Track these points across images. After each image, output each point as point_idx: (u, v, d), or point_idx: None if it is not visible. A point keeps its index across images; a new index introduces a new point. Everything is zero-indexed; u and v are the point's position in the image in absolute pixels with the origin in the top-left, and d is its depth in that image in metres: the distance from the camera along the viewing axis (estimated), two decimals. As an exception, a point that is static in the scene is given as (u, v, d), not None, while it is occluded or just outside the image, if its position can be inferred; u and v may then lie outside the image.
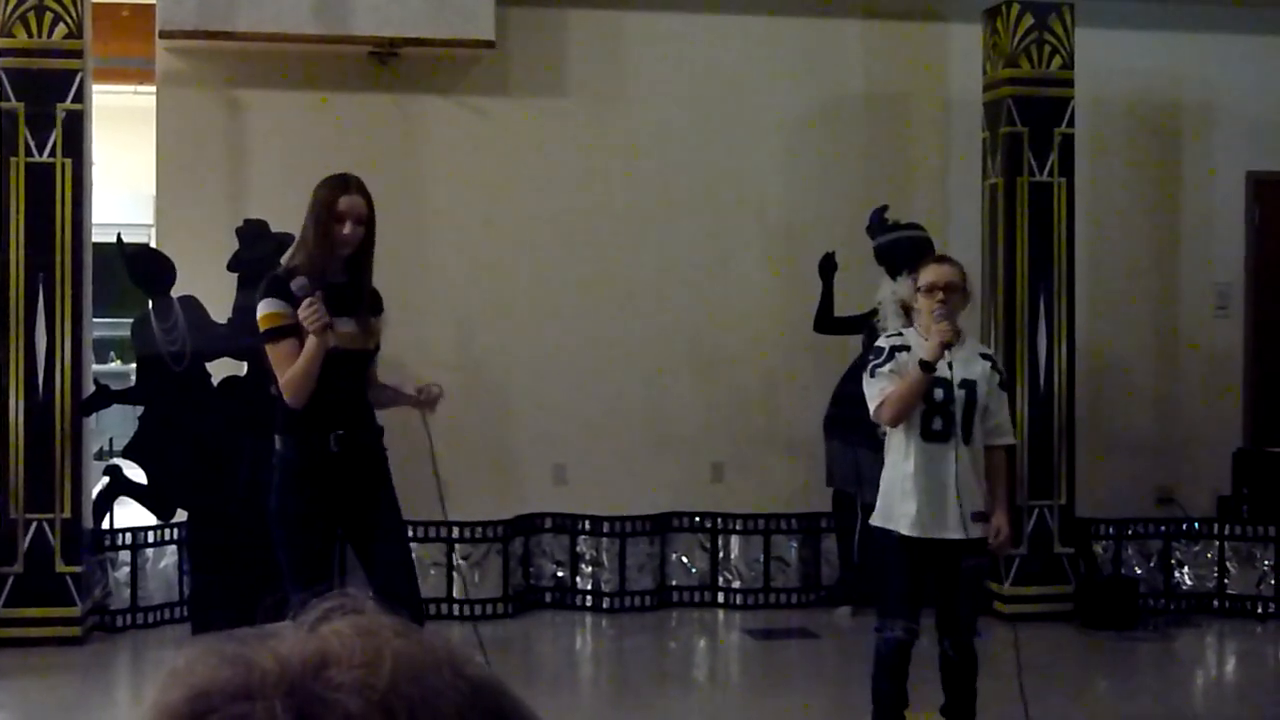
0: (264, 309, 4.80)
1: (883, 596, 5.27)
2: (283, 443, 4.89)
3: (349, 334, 4.84)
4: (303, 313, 4.66)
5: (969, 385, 5.04)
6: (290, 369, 4.72)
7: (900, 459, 5.06)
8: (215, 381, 7.46)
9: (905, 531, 5.01)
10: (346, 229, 4.84)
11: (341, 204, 4.86)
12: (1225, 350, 9.11)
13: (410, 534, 6.04)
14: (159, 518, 7.59)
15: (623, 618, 8.05)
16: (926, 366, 4.92)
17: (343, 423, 4.84)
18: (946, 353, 4.94)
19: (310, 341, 4.69)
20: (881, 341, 5.21)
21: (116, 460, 8.50)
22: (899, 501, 5.03)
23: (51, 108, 7.22)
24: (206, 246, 7.70)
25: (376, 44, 8.03)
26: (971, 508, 4.98)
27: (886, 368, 5.03)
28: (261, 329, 4.80)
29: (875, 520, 5.14)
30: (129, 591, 7.55)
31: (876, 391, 5.03)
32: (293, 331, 4.73)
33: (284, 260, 5.36)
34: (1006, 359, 7.77)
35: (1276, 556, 8.03)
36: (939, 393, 5.01)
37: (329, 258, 4.85)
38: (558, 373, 8.38)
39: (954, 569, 5.05)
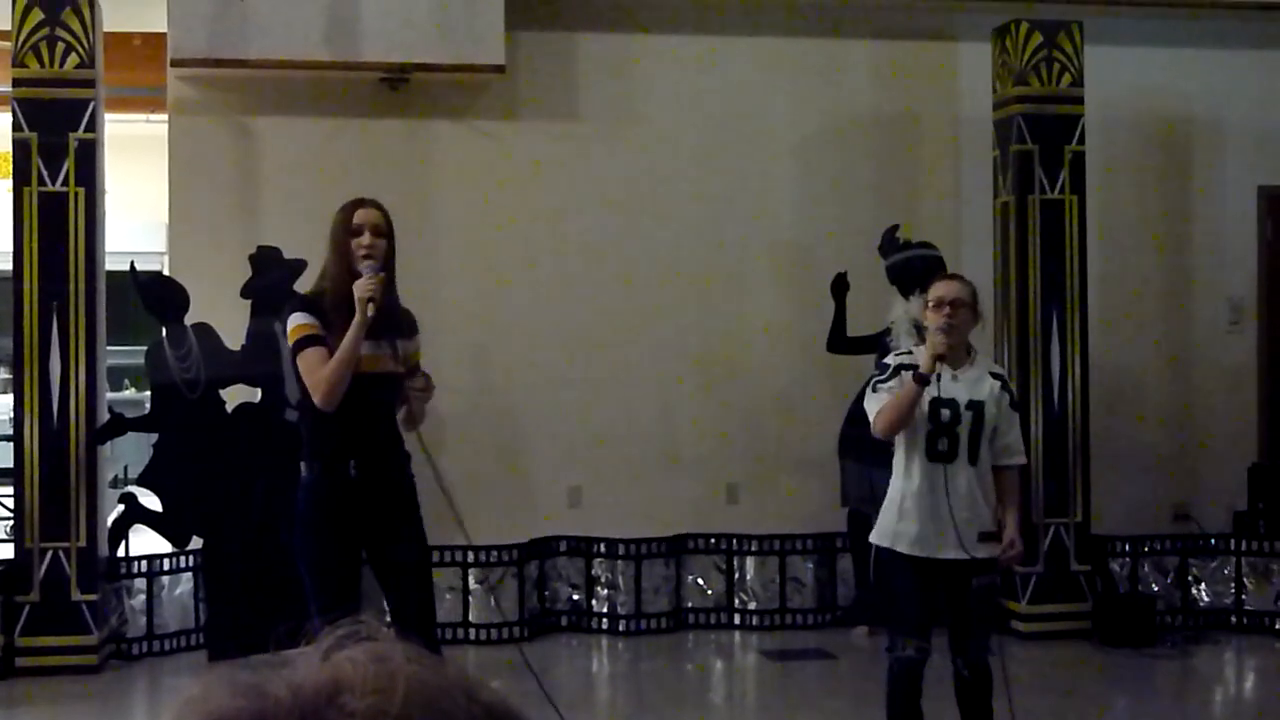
0: (293, 322, 4.83)
1: (892, 617, 5.26)
2: (306, 468, 4.91)
3: (372, 357, 4.82)
4: (362, 282, 4.72)
5: (976, 406, 5.03)
6: (324, 366, 4.72)
7: (903, 478, 5.06)
8: (229, 408, 7.48)
9: (905, 550, 5.01)
10: (365, 239, 4.84)
11: (356, 217, 4.88)
12: (1239, 365, 9.08)
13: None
14: (174, 545, 7.59)
15: (639, 640, 8.03)
16: (920, 379, 4.92)
17: (364, 449, 4.84)
18: (941, 366, 4.93)
19: (353, 325, 4.69)
20: (889, 359, 5.18)
21: (131, 488, 8.50)
22: (898, 520, 5.03)
23: (64, 137, 7.25)
24: (219, 274, 7.71)
25: (387, 70, 8.05)
26: (980, 528, 4.97)
27: (889, 384, 5.03)
28: (291, 340, 4.81)
29: (874, 538, 5.13)
30: (145, 619, 7.55)
31: (875, 405, 5.05)
32: (322, 341, 4.76)
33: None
34: (1020, 377, 7.76)
35: (1294, 572, 8.00)
36: (945, 413, 5.00)
37: (351, 276, 4.81)
38: (571, 395, 8.38)
39: (964, 588, 5.03)
